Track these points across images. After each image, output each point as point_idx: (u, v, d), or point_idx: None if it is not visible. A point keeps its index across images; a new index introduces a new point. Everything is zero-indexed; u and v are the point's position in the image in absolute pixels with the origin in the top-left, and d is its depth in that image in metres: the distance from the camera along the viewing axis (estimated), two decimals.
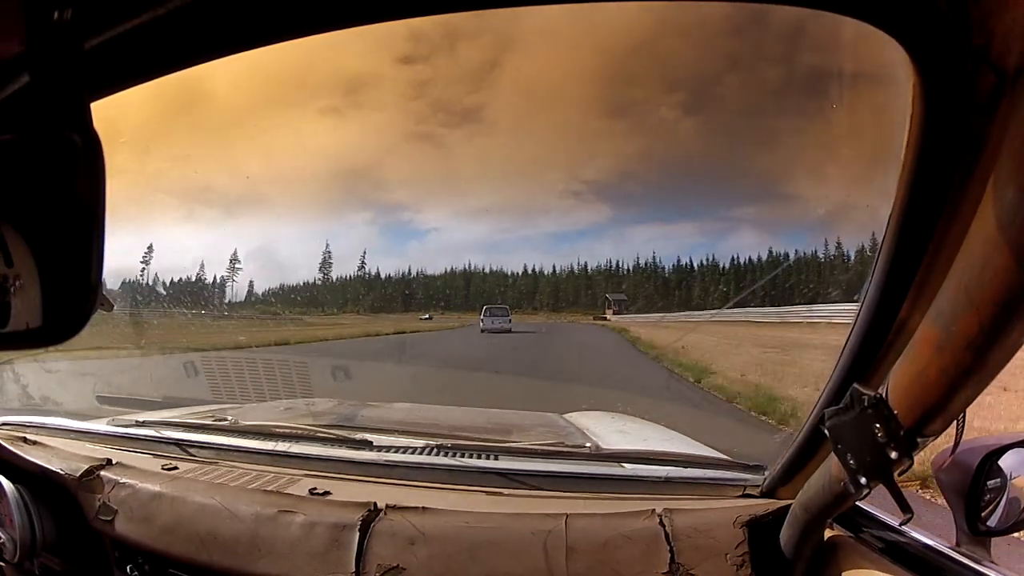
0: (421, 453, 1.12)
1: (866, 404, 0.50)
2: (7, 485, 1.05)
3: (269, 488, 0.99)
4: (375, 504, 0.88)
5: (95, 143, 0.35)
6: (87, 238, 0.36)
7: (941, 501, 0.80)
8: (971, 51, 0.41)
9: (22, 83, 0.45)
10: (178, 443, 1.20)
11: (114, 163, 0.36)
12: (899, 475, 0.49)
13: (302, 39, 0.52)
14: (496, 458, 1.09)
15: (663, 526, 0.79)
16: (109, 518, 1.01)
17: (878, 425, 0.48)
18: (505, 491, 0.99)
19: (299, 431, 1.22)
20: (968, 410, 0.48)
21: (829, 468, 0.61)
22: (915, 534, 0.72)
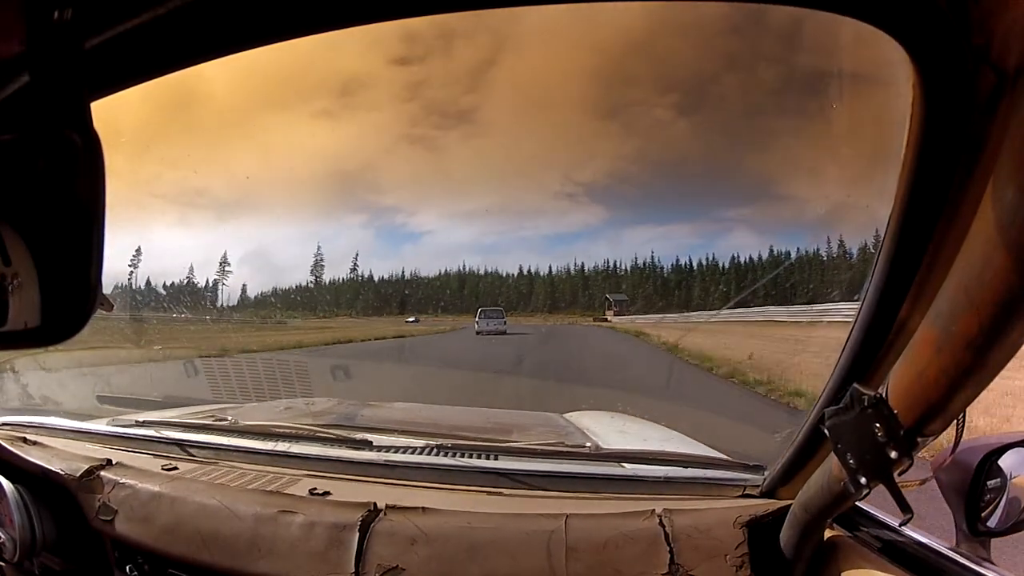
0: (421, 453, 1.12)
1: (866, 404, 0.50)
2: (7, 485, 1.05)
3: (269, 488, 0.99)
4: (375, 504, 0.88)
5: (95, 143, 0.36)
6: (87, 238, 0.36)
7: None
8: (971, 51, 0.41)
9: (22, 83, 0.45)
10: (178, 443, 1.20)
11: (110, 164, 0.37)
12: (899, 475, 0.49)
13: (296, 40, 0.52)
14: (496, 458, 1.09)
15: (663, 526, 0.79)
16: (109, 518, 1.01)
17: (878, 425, 0.48)
18: (505, 491, 0.99)
19: (299, 431, 1.22)
20: (969, 409, 0.48)
21: (829, 468, 0.61)
22: (915, 534, 0.72)
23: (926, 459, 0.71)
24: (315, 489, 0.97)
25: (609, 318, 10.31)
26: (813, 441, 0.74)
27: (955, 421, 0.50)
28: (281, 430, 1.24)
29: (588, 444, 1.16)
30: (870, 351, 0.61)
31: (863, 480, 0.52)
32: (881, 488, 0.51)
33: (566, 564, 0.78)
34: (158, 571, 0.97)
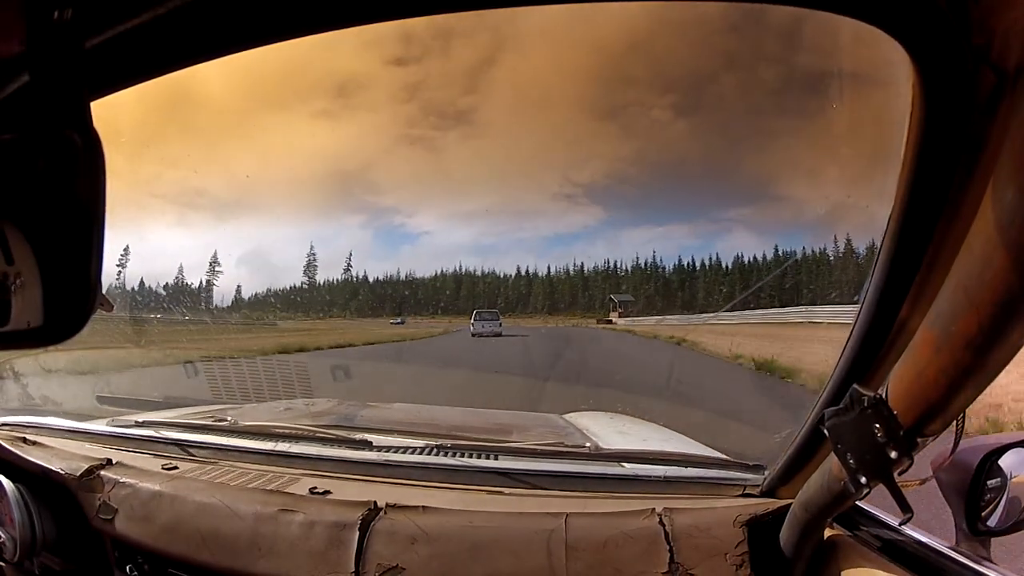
0: (421, 453, 1.12)
1: (866, 404, 0.50)
2: (7, 485, 1.05)
3: (269, 487, 0.99)
4: (375, 503, 0.88)
5: (95, 142, 0.36)
6: (87, 237, 0.36)
7: None
8: (971, 51, 0.41)
9: (22, 83, 0.45)
10: (178, 443, 1.20)
11: (110, 164, 0.37)
12: (899, 475, 0.49)
13: (294, 40, 0.52)
14: (496, 458, 1.09)
15: (663, 525, 0.79)
16: (109, 517, 1.01)
17: (878, 425, 0.48)
18: (505, 490, 0.99)
19: (299, 431, 1.22)
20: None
21: (829, 468, 0.61)
22: (915, 534, 0.72)
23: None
24: (315, 488, 0.97)
25: (613, 320, 9.81)
26: (813, 441, 0.74)
27: (955, 421, 0.50)
28: (281, 430, 1.24)
29: (588, 444, 1.16)
30: (870, 351, 0.61)
31: (863, 480, 0.52)
32: (881, 488, 0.51)
33: (566, 563, 0.78)
34: (158, 570, 0.97)
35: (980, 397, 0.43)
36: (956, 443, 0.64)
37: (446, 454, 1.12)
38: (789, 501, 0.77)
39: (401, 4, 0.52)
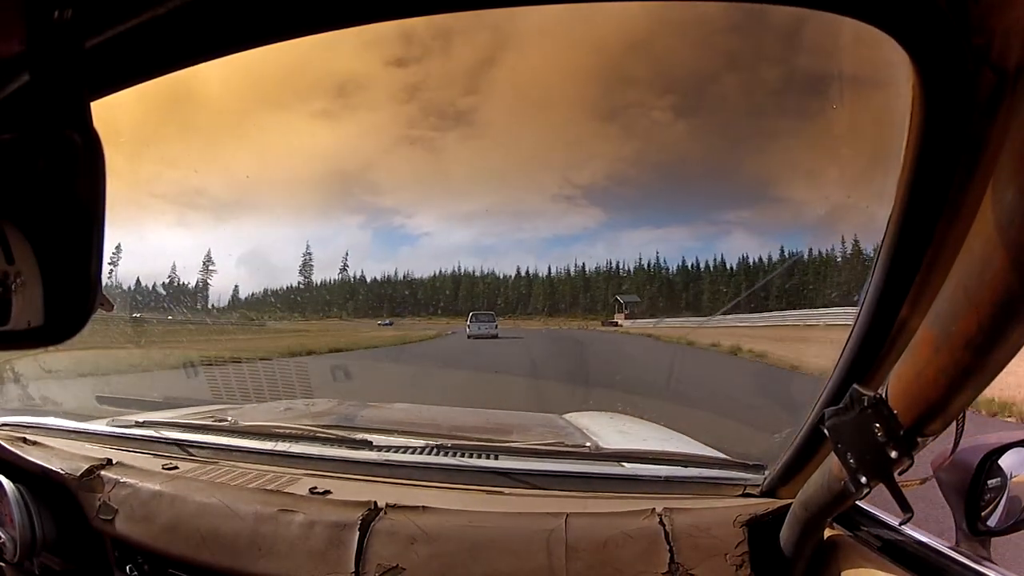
0: (421, 453, 1.12)
1: (866, 404, 0.50)
2: (7, 485, 1.05)
3: (269, 487, 0.99)
4: (375, 503, 0.88)
5: (95, 142, 0.36)
6: (87, 237, 0.36)
7: None
8: (971, 51, 0.41)
9: (22, 82, 0.45)
10: (178, 443, 1.20)
11: (110, 163, 0.37)
12: (899, 475, 0.49)
13: (294, 40, 0.52)
14: (496, 458, 1.09)
15: (663, 525, 0.79)
16: (109, 517, 1.01)
17: (878, 425, 0.48)
18: (505, 490, 0.99)
19: (299, 431, 1.22)
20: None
21: (829, 467, 0.61)
22: (915, 534, 0.72)
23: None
24: (315, 488, 0.97)
25: (619, 322, 9.27)
26: (813, 441, 0.74)
27: (955, 421, 0.50)
28: (281, 430, 1.24)
29: (588, 444, 1.16)
30: (870, 351, 0.61)
31: (863, 479, 0.52)
32: (881, 488, 0.51)
33: (566, 563, 0.78)
34: (158, 570, 0.97)
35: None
36: (956, 443, 0.64)
37: (446, 454, 1.12)
38: (789, 501, 0.77)
39: (401, 4, 0.52)
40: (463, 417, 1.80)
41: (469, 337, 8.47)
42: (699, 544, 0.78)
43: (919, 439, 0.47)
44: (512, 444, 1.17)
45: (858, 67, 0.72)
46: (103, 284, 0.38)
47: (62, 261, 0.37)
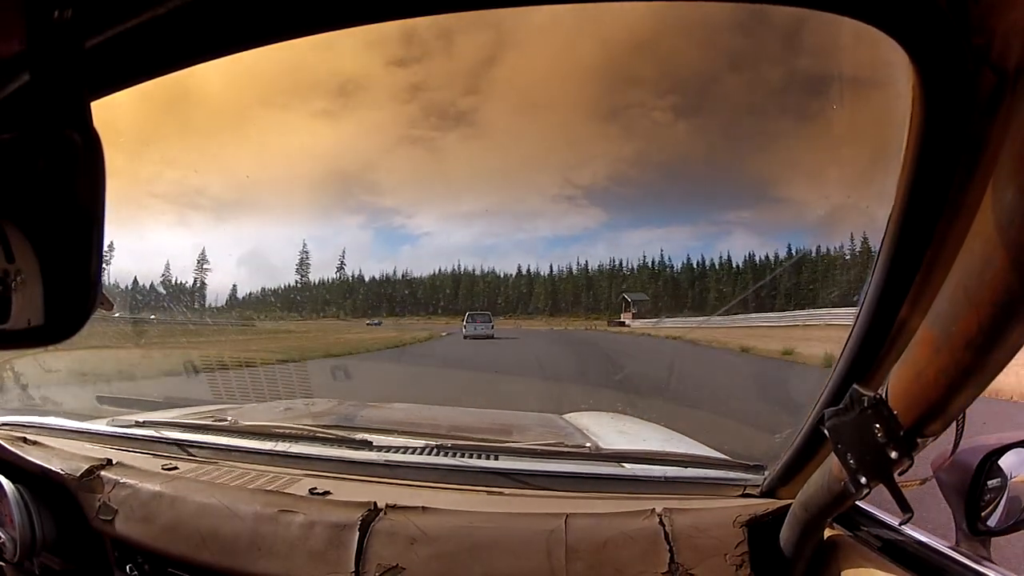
0: (421, 453, 1.12)
1: (866, 404, 0.50)
2: (7, 485, 1.05)
3: (269, 488, 0.99)
4: (375, 504, 0.88)
5: (95, 142, 0.36)
6: (87, 236, 0.36)
7: None
8: (971, 51, 0.41)
9: (22, 82, 0.45)
10: (178, 443, 1.20)
11: (110, 163, 0.37)
12: (899, 475, 0.49)
13: (295, 40, 0.52)
14: (496, 458, 1.09)
15: (663, 526, 0.79)
16: (109, 518, 1.01)
17: (878, 425, 0.48)
18: (505, 491, 0.99)
19: (299, 431, 1.22)
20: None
21: (829, 468, 0.61)
22: (915, 534, 0.72)
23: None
24: (315, 489, 0.97)
25: (627, 321, 8.73)
26: (813, 441, 0.74)
27: (955, 421, 0.50)
28: (281, 430, 1.24)
29: (588, 444, 1.16)
30: (870, 351, 0.61)
31: (863, 480, 0.52)
32: (881, 488, 0.51)
33: (566, 563, 0.78)
34: (158, 571, 0.97)
35: None
36: (956, 443, 0.64)
37: (446, 454, 1.11)
38: (789, 501, 0.77)
39: (401, 4, 0.52)
40: (463, 417, 1.80)
41: (465, 337, 8.41)
42: (699, 544, 0.78)
43: (919, 439, 0.47)
44: (512, 444, 1.17)
45: (858, 67, 0.72)
46: (103, 284, 0.38)
47: (62, 260, 0.37)
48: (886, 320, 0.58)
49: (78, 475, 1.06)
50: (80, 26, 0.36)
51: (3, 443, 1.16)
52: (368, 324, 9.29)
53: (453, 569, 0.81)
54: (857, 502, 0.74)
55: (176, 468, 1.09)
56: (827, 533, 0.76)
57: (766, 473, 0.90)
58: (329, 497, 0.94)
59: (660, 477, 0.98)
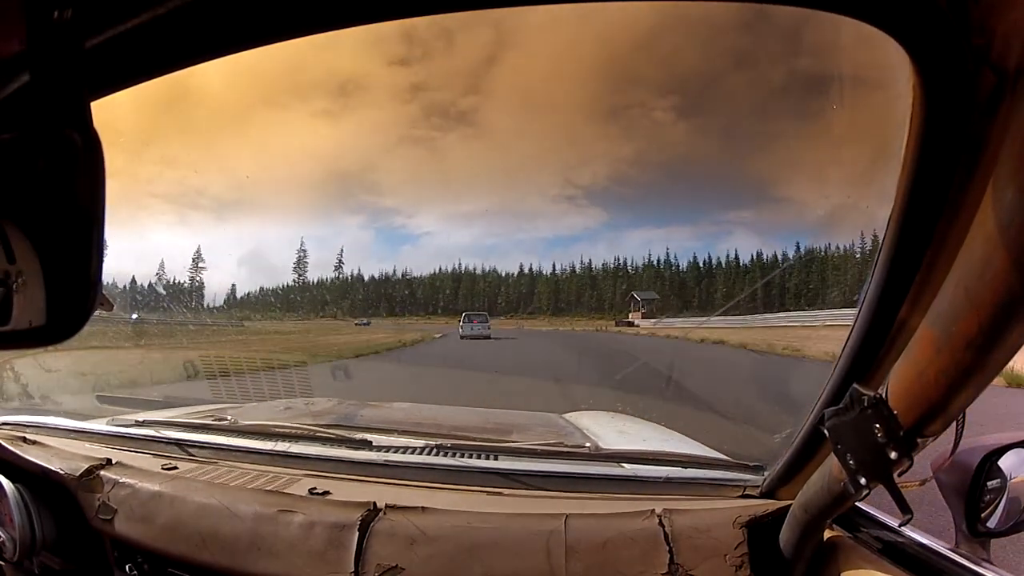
0: (421, 453, 1.12)
1: (866, 404, 0.50)
2: (7, 485, 1.05)
3: (269, 488, 0.99)
4: (375, 504, 0.88)
5: (95, 142, 0.36)
6: (87, 236, 0.36)
7: None
8: (971, 51, 0.41)
9: (22, 82, 0.45)
10: (178, 443, 1.20)
11: (110, 163, 0.37)
12: (899, 475, 0.49)
13: (296, 40, 0.52)
14: (496, 458, 1.09)
15: (663, 526, 0.79)
16: (109, 517, 1.01)
17: (878, 425, 0.48)
18: (505, 491, 0.99)
19: (298, 431, 1.22)
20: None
21: (829, 468, 0.61)
22: (915, 535, 0.72)
23: None
24: (315, 489, 0.97)
25: (636, 321, 8.30)
26: (813, 441, 0.74)
27: (955, 421, 0.50)
28: (281, 430, 1.24)
29: (588, 444, 1.16)
30: (870, 351, 0.61)
31: (863, 480, 0.52)
32: (881, 488, 0.51)
33: (566, 564, 0.78)
34: (158, 570, 0.97)
35: None
36: (956, 444, 0.64)
37: (446, 454, 1.11)
38: (789, 502, 0.77)
39: (402, 4, 0.52)
40: (463, 417, 1.80)
41: (462, 337, 8.37)
42: (699, 545, 0.78)
43: (919, 440, 0.46)
44: (512, 444, 1.17)
45: (859, 67, 0.72)
46: (103, 284, 0.38)
47: (62, 261, 0.37)
48: (886, 320, 0.58)
49: (78, 475, 1.06)
50: (80, 26, 0.36)
51: (3, 443, 1.16)
52: (356, 324, 8.98)
53: (453, 569, 0.81)
54: (857, 503, 0.74)
55: (176, 468, 1.09)
56: (827, 534, 0.76)
57: (766, 473, 0.90)
58: (329, 497, 0.94)
59: (660, 477, 0.98)
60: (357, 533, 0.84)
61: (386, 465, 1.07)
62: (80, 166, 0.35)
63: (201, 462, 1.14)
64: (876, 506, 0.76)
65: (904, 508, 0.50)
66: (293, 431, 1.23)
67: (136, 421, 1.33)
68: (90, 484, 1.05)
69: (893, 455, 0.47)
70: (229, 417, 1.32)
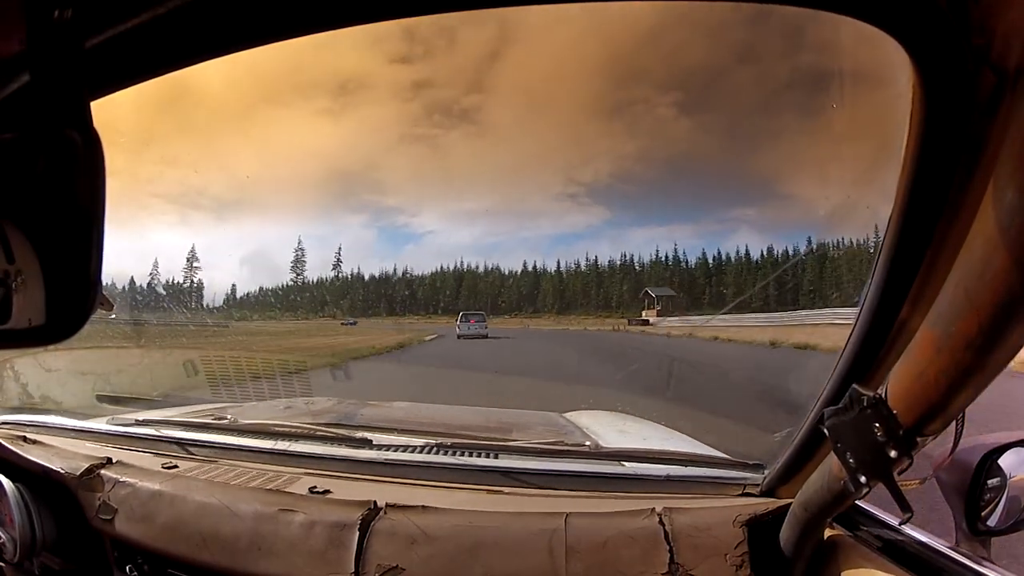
0: (421, 452, 1.12)
1: (866, 404, 0.50)
2: (7, 484, 1.05)
3: (269, 487, 0.99)
4: (375, 503, 0.88)
5: (95, 142, 0.36)
6: (87, 236, 0.36)
7: None
8: (971, 51, 0.41)
9: (22, 82, 0.45)
10: (178, 442, 1.20)
11: (110, 163, 0.37)
12: (899, 474, 0.49)
13: (297, 39, 0.52)
14: (496, 457, 1.09)
15: (663, 525, 0.79)
16: (109, 517, 1.01)
17: (878, 425, 0.48)
18: (506, 490, 0.99)
19: (299, 430, 1.22)
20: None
21: (829, 467, 0.61)
22: (915, 533, 0.72)
23: None
24: (315, 488, 0.97)
25: (649, 319, 7.95)
26: (813, 440, 0.74)
27: (955, 421, 0.50)
28: (281, 429, 1.24)
29: (588, 443, 1.16)
30: (870, 351, 0.61)
31: (863, 479, 0.52)
32: (881, 488, 0.51)
33: (566, 563, 0.78)
34: (158, 570, 0.97)
35: None
36: (956, 443, 0.64)
37: (446, 453, 1.12)
38: (789, 501, 0.77)
39: (402, 4, 0.52)
40: (463, 416, 1.80)
41: (459, 337, 8.35)
42: (699, 544, 0.78)
43: (919, 439, 0.47)
44: (512, 443, 1.17)
45: (859, 66, 0.72)
46: (103, 283, 0.39)
47: (62, 260, 0.37)
48: (886, 320, 0.58)
49: (78, 474, 1.06)
50: (80, 26, 0.36)
51: (3, 442, 1.16)
52: (343, 324, 8.59)
53: (453, 568, 0.81)
54: (857, 502, 0.74)
55: (176, 467, 1.09)
56: (827, 533, 0.76)
57: (766, 472, 0.90)
58: (329, 496, 0.94)
59: (660, 476, 0.98)
60: (357, 532, 0.84)
61: (386, 464, 1.07)
62: (80, 166, 0.36)
63: (201, 461, 1.14)
64: (876, 505, 0.76)
65: (904, 506, 0.50)
66: (293, 430, 1.23)
67: (136, 420, 1.33)
68: (90, 483, 1.05)
69: (893, 454, 0.48)
70: (229, 416, 1.32)
